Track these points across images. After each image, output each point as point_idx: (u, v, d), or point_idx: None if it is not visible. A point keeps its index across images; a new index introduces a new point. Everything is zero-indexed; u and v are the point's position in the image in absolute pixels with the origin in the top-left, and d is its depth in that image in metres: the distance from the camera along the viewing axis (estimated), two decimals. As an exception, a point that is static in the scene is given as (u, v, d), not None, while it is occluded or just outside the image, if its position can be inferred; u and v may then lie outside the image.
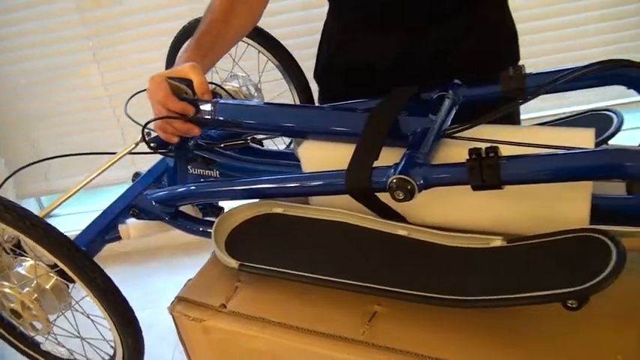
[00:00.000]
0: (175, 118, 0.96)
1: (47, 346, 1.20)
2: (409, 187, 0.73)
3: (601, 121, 1.04)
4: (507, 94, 0.92)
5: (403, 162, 0.76)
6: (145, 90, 1.01)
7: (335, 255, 0.83)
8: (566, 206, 0.79)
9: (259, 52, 1.34)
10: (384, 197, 0.81)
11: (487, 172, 0.71)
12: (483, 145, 0.73)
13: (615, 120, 1.02)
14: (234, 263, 0.83)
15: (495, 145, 0.73)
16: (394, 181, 0.74)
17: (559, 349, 0.68)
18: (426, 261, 0.79)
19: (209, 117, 0.97)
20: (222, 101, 0.99)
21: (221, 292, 0.84)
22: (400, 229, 0.85)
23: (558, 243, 0.75)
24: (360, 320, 0.76)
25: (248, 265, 0.82)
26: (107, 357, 1.12)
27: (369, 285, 0.75)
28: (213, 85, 1.10)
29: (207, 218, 1.12)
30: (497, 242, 0.79)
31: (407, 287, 0.73)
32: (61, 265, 0.90)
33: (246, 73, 1.31)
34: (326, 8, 1.20)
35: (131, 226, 1.13)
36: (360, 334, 0.74)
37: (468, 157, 0.73)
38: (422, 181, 0.74)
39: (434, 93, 0.94)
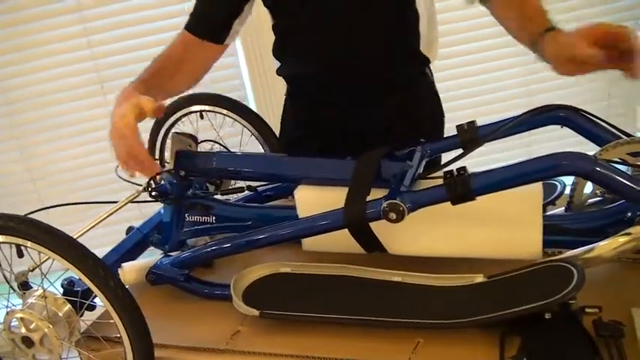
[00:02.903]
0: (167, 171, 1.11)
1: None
2: (400, 208, 0.90)
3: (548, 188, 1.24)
4: (464, 144, 1.11)
5: (392, 191, 0.93)
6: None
7: (341, 299, 0.99)
8: (521, 230, 0.98)
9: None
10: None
11: (460, 185, 0.89)
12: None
13: (559, 187, 1.21)
14: (255, 312, 0.97)
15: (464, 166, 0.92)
16: (387, 206, 0.91)
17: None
18: (419, 299, 0.96)
19: (211, 167, 1.11)
20: (222, 152, 1.13)
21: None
22: (395, 276, 1.01)
23: (531, 273, 0.94)
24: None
25: (267, 312, 0.97)
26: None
27: (372, 318, 0.92)
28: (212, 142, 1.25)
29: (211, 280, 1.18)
30: (480, 279, 0.97)
31: (406, 318, 0.91)
32: (92, 287, 0.95)
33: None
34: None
35: (127, 270, 1.20)
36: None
37: (443, 177, 0.91)
38: (409, 204, 0.91)
39: (405, 149, 1.12)
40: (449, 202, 0.92)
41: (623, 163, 1.00)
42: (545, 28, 1.07)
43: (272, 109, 2.41)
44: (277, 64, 1.45)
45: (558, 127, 1.12)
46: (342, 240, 0.99)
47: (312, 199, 1.07)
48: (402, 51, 1.34)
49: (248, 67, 2.45)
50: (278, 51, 1.43)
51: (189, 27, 1.33)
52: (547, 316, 0.85)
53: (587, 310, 0.88)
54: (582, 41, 0.97)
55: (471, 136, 1.11)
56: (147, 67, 1.28)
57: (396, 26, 1.32)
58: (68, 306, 1.03)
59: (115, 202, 1.21)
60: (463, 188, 0.90)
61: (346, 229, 0.97)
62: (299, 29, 1.34)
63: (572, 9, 2.45)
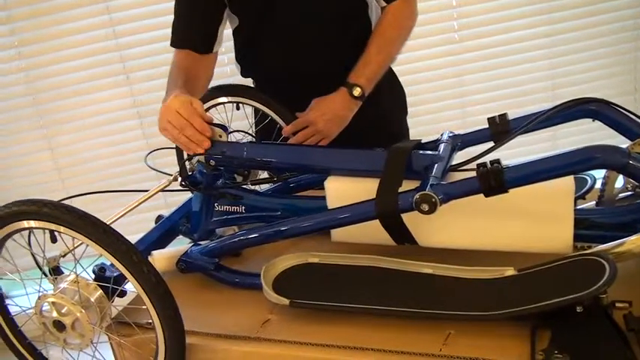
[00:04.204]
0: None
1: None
2: (433, 200, 0.91)
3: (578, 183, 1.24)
4: (496, 136, 1.11)
5: (424, 183, 0.94)
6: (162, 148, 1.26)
7: (371, 290, 0.99)
8: (552, 224, 0.98)
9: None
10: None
11: (494, 177, 0.90)
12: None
13: (589, 181, 1.20)
14: (285, 301, 0.98)
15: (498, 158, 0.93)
16: (419, 197, 0.91)
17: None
18: (450, 290, 0.97)
19: (242, 157, 1.12)
20: (253, 143, 1.14)
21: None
22: (426, 268, 1.01)
23: (561, 267, 0.94)
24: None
25: (297, 301, 0.97)
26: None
27: (403, 309, 0.92)
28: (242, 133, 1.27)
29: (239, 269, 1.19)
30: (510, 272, 0.97)
31: (436, 309, 0.92)
32: (125, 272, 0.96)
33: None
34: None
35: (156, 257, 1.21)
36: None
37: (476, 170, 0.91)
38: (442, 196, 0.92)
39: (435, 143, 1.11)
40: (480, 195, 0.92)
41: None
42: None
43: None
44: (239, 67, 1.55)
45: (582, 120, 1.12)
46: (371, 231, 1.00)
47: (343, 190, 1.07)
48: (354, 54, 1.41)
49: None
50: (239, 55, 1.52)
51: (178, 44, 1.41)
52: (578, 309, 0.85)
53: (618, 304, 0.87)
54: None
55: (503, 129, 1.11)
56: (169, 82, 1.35)
57: (350, 33, 1.43)
58: (100, 291, 1.05)
59: (144, 190, 1.22)
60: (496, 180, 0.90)
61: (376, 221, 0.98)
62: (259, 36, 1.43)
63: (573, 6, 2.43)
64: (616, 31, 2.48)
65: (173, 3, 2.32)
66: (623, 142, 1.02)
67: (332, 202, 1.09)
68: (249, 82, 1.60)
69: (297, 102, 1.42)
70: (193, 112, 1.11)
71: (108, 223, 0.97)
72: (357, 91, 1.36)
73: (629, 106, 1.10)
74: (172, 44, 1.42)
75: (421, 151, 1.03)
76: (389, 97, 1.58)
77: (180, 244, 1.22)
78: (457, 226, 1.02)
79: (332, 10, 1.42)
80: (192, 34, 1.41)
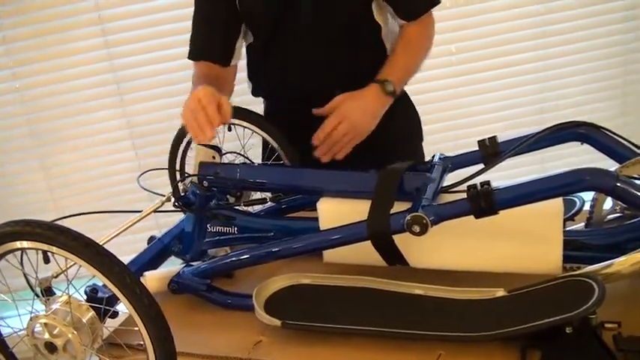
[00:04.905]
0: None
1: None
2: (424, 221, 0.92)
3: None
4: (486, 158, 1.13)
5: (416, 204, 0.95)
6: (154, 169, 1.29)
7: (362, 311, 0.99)
8: (542, 245, 1.00)
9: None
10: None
11: (484, 199, 0.91)
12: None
13: (578, 203, 1.21)
14: (277, 322, 0.98)
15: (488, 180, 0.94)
16: (410, 219, 0.92)
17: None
18: (441, 312, 0.97)
19: (234, 178, 1.13)
20: (246, 164, 1.15)
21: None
22: (417, 289, 1.02)
23: (551, 288, 0.95)
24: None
25: (289, 322, 0.98)
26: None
27: (394, 330, 0.93)
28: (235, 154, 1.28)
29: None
30: (500, 293, 0.98)
31: (427, 330, 0.92)
32: (118, 293, 0.95)
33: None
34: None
35: (148, 278, 1.20)
36: None
37: (467, 191, 0.92)
38: (433, 217, 0.93)
39: (426, 164, 1.13)
40: (471, 217, 0.93)
41: (644, 179, 1.01)
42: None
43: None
44: (251, 85, 1.53)
45: (571, 143, 1.14)
46: (363, 252, 1.00)
47: (335, 211, 1.09)
48: (369, 74, 1.37)
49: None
50: (250, 72, 1.50)
51: (195, 56, 1.42)
52: (568, 330, 0.86)
53: (607, 325, 0.89)
54: None
55: (492, 151, 1.12)
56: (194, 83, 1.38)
57: (364, 54, 1.41)
58: (92, 312, 1.04)
59: (138, 211, 1.23)
60: (486, 202, 0.91)
61: (368, 242, 0.99)
62: (269, 53, 1.42)
63: (564, 32, 2.47)
64: (605, 56, 2.52)
65: (167, 26, 2.39)
66: (612, 166, 1.03)
67: (324, 224, 1.10)
68: (259, 101, 1.60)
69: (303, 125, 1.40)
70: (211, 101, 1.13)
71: (101, 244, 0.98)
72: (389, 86, 1.29)
73: (618, 129, 1.12)
74: (190, 56, 1.43)
75: (412, 173, 1.05)
76: (403, 123, 1.52)
77: (173, 265, 1.23)
78: (448, 247, 1.03)
79: (342, 30, 1.38)
80: (209, 46, 1.41)
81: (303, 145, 1.38)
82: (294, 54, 1.40)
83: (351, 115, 1.28)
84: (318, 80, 1.41)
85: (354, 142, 1.30)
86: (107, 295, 1.07)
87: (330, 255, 1.12)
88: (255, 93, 1.53)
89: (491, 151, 1.12)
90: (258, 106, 1.57)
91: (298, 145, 1.41)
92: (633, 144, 1.08)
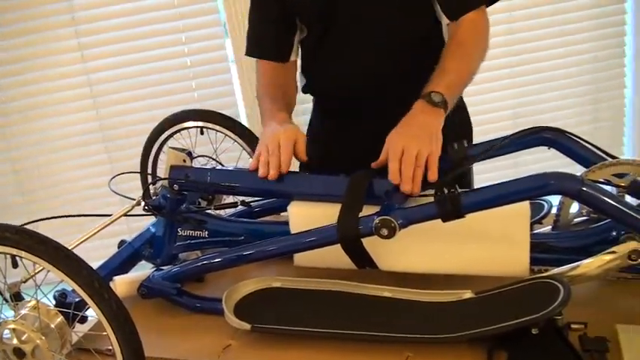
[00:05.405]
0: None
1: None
2: (392, 224, 0.92)
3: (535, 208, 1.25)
4: (456, 162, 1.13)
5: (384, 208, 0.96)
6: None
7: (332, 314, 1.00)
8: (509, 248, 1.01)
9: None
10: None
11: (451, 203, 0.92)
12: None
13: (546, 207, 1.22)
14: (247, 326, 0.98)
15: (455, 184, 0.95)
16: (379, 222, 0.93)
17: None
18: (409, 314, 0.98)
19: (205, 181, 1.13)
20: (216, 168, 1.15)
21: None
22: (385, 292, 1.03)
23: (518, 290, 0.96)
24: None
25: (259, 326, 0.98)
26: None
27: (362, 333, 0.94)
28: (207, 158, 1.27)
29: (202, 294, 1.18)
30: (468, 295, 0.99)
31: (395, 333, 0.93)
32: (86, 298, 0.94)
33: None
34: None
35: (118, 283, 1.19)
36: None
37: (434, 195, 0.93)
38: (401, 221, 0.94)
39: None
40: (439, 220, 0.94)
41: (608, 183, 1.03)
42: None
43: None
44: (303, 80, 1.47)
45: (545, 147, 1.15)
46: (333, 255, 1.01)
47: (305, 215, 1.09)
48: (429, 66, 1.24)
49: (241, 84, 2.48)
50: (302, 67, 1.45)
51: (252, 53, 1.38)
52: (534, 331, 0.87)
53: (573, 326, 0.90)
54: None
55: (461, 156, 1.13)
56: (262, 97, 1.34)
57: (422, 44, 1.33)
58: (61, 317, 1.04)
59: (107, 215, 1.22)
60: (453, 206, 0.92)
61: (338, 245, 0.99)
62: (320, 50, 1.37)
63: (536, 39, 2.51)
64: (576, 63, 2.56)
65: (142, 28, 2.38)
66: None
67: (295, 227, 1.10)
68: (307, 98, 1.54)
69: (352, 126, 1.38)
70: (289, 145, 1.11)
71: (70, 249, 0.97)
72: (436, 97, 1.12)
73: (589, 135, 1.14)
74: (247, 53, 1.39)
75: (381, 177, 1.05)
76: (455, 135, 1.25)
77: (144, 269, 1.22)
78: (416, 251, 1.04)
79: (401, 29, 1.31)
80: (265, 42, 1.38)
81: (348, 147, 1.36)
82: (345, 49, 1.34)
83: (408, 146, 1.04)
84: (369, 79, 1.34)
85: (432, 162, 1.06)
86: (76, 300, 1.06)
87: (300, 258, 1.12)
88: (305, 89, 1.48)
89: (460, 156, 1.12)
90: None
91: (343, 146, 1.40)
92: (599, 149, 1.10)
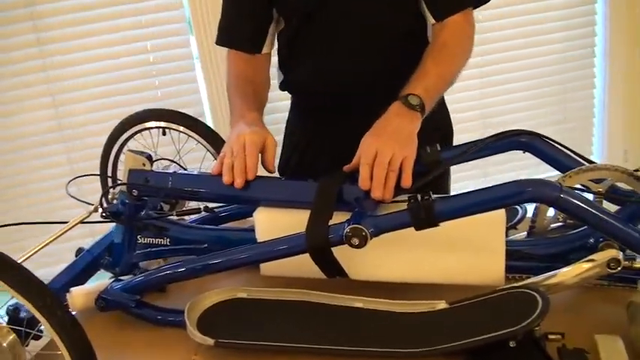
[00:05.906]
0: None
1: None
2: (363, 233, 0.88)
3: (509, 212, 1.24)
4: (428, 167, 1.09)
5: (355, 215, 0.91)
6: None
7: (300, 327, 0.95)
8: (484, 256, 0.97)
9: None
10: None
11: (424, 211, 0.88)
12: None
13: (520, 211, 1.18)
14: (210, 341, 0.92)
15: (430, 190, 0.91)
16: (349, 231, 0.89)
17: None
18: (381, 325, 0.94)
19: (166, 186, 1.07)
20: (179, 172, 1.09)
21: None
22: (356, 302, 0.98)
23: (493, 300, 0.93)
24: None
25: (222, 341, 0.92)
26: None
27: (331, 347, 0.89)
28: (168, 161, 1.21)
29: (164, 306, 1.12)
30: (442, 305, 0.95)
31: (367, 346, 0.89)
32: (37, 315, 0.88)
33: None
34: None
35: (75, 295, 1.13)
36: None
37: (407, 202, 0.89)
38: (372, 229, 0.89)
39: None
40: (411, 228, 0.90)
41: (586, 190, 1.00)
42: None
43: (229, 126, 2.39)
44: (281, 77, 1.42)
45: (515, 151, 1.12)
46: (301, 265, 0.96)
47: (272, 222, 1.04)
48: (412, 62, 1.21)
49: (206, 82, 2.43)
50: (279, 61, 1.40)
51: (222, 42, 1.32)
52: (512, 344, 0.84)
53: (551, 336, 0.87)
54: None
55: (433, 159, 1.09)
56: (232, 93, 1.27)
57: (413, 40, 1.30)
58: (13, 335, 0.97)
59: (63, 222, 1.16)
60: (427, 214, 0.88)
61: (307, 254, 0.94)
62: (300, 41, 1.31)
63: (504, 39, 2.50)
64: (546, 63, 2.56)
65: (103, 24, 2.30)
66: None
67: (261, 235, 1.05)
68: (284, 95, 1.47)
69: (332, 123, 1.33)
70: (255, 150, 1.05)
71: (21, 260, 0.91)
72: (414, 100, 1.08)
73: (558, 135, 1.11)
74: (217, 42, 1.33)
75: (352, 183, 1.01)
76: (434, 130, 1.27)
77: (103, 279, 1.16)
78: (388, 259, 1.00)
79: (391, 24, 1.27)
80: (237, 32, 1.31)
81: (330, 145, 1.33)
82: (335, 45, 1.29)
83: (382, 149, 1.01)
84: (351, 74, 1.30)
85: (406, 166, 1.01)
86: (29, 316, 0.99)
87: (267, 267, 1.07)
88: (282, 86, 1.42)
89: (432, 159, 1.09)
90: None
91: (325, 144, 1.36)
92: (575, 153, 1.07)
